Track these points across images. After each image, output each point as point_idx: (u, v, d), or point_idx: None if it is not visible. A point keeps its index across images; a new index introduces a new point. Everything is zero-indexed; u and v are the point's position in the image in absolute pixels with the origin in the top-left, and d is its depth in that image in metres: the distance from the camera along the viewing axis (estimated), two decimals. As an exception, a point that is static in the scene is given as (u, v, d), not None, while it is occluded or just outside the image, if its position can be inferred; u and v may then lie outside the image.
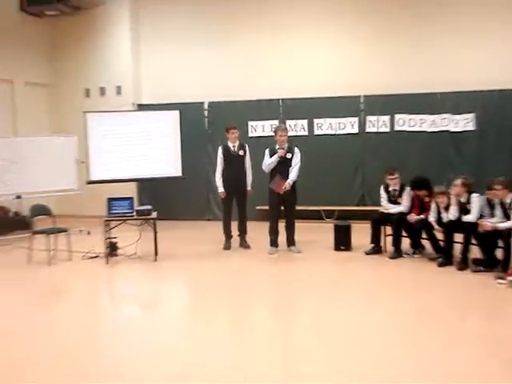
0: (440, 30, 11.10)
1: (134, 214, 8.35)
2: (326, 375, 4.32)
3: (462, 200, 7.57)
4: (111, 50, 12.55)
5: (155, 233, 8.26)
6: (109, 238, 8.39)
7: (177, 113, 11.11)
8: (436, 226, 7.82)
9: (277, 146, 8.60)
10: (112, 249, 8.46)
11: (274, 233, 8.76)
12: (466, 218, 7.44)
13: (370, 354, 4.70)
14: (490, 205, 7.41)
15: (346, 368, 4.42)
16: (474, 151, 10.73)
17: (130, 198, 8.49)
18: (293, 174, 8.50)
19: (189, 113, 11.47)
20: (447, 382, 4.08)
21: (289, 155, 8.53)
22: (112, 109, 11.61)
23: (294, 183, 8.55)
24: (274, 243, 8.74)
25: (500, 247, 7.06)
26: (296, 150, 8.63)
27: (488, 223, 7.09)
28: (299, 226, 8.82)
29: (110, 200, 8.35)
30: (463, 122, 10.80)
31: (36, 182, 10.27)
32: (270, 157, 8.55)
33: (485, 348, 4.83)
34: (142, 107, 12.25)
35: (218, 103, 11.85)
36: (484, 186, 7.49)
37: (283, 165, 8.51)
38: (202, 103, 12.02)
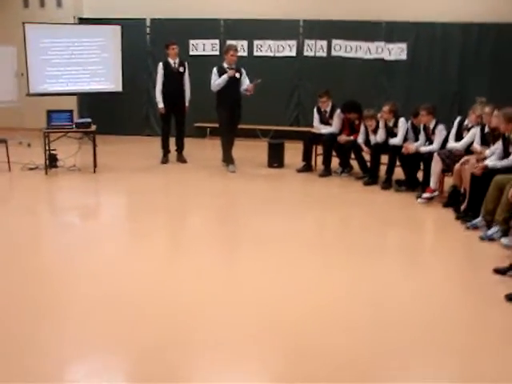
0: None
1: (74, 126, 8.48)
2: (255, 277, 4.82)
3: (390, 124, 7.99)
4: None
5: (94, 146, 8.39)
6: (48, 149, 8.47)
7: (118, 28, 11.03)
8: (364, 148, 8.24)
9: (225, 65, 8.67)
10: (51, 160, 8.56)
11: (230, 148, 8.88)
12: (392, 141, 7.88)
13: (295, 257, 5.20)
14: (415, 129, 7.87)
15: (269, 268, 4.93)
16: (405, 79, 11.17)
17: (70, 111, 8.60)
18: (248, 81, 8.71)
19: (130, 29, 11.38)
20: (371, 289, 4.51)
21: (237, 75, 8.66)
22: (52, 21, 11.42)
23: (240, 101, 8.78)
24: (232, 160, 8.85)
25: (421, 169, 7.56)
26: (242, 70, 8.77)
27: (412, 146, 7.54)
28: (236, 143, 9.07)
29: (50, 112, 8.42)
30: (396, 51, 11.19)
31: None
32: (219, 76, 8.63)
33: (402, 255, 5.46)
34: (83, 21, 12.06)
35: (160, 20, 11.80)
36: (411, 112, 7.94)
37: (232, 84, 8.59)
38: (144, 19, 11.93)
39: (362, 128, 8.34)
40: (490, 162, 6.17)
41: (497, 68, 10.71)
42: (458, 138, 7.24)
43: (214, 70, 8.70)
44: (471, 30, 10.86)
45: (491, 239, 5.57)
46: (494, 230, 5.63)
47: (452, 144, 7.23)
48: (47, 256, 5.28)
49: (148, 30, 12.06)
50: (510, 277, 4.64)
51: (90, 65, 11.01)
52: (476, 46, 10.89)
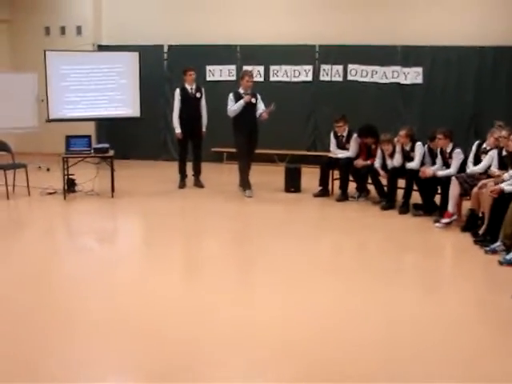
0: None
1: (92, 151, 8.58)
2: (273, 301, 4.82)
3: (407, 148, 7.97)
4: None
5: (112, 170, 8.45)
6: (67, 174, 8.56)
7: (136, 54, 11.24)
8: (381, 172, 8.20)
9: (241, 91, 8.74)
10: (70, 185, 8.66)
11: (247, 173, 8.85)
12: (409, 165, 7.84)
13: (311, 280, 5.19)
14: (432, 153, 7.84)
15: (284, 291, 4.92)
16: (421, 103, 11.19)
17: (88, 136, 8.70)
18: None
19: (148, 55, 11.60)
20: (385, 311, 4.50)
21: (253, 100, 8.73)
22: (72, 49, 11.61)
23: (256, 125, 8.84)
24: (249, 185, 8.84)
25: (439, 193, 7.51)
26: (258, 95, 8.84)
27: (429, 170, 7.52)
28: (252, 168, 9.07)
29: (69, 138, 8.52)
30: (412, 75, 11.23)
31: (-5, 119, 10.33)
32: (235, 101, 8.70)
33: (419, 279, 5.41)
34: (102, 48, 12.28)
35: (178, 46, 11.98)
36: (427, 136, 7.92)
37: (248, 109, 8.66)
38: (161, 46, 12.13)
39: (379, 152, 8.32)
40: (507, 187, 6.13)
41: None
42: (476, 161, 7.22)
43: (231, 95, 8.77)
44: (486, 53, 10.89)
45: (510, 264, 5.51)
46: (513, 254, 5.57)
47: (471, 168, 7.21)
48: (64, 279, 5.29)
49: (165, 55, 12.24)
50: (530, 302, 4.58)
51: (108, 91, 11.19)
52: (492, 69, 10.91)
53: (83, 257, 5.98)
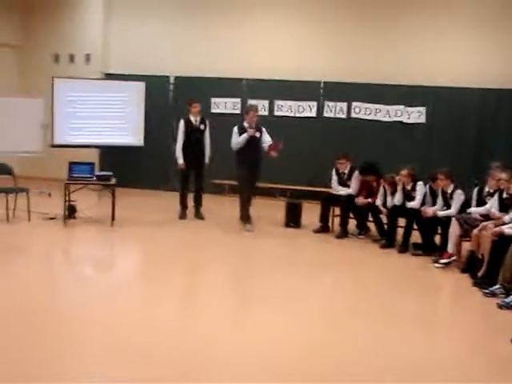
0: (404, 24, 11.52)
1: (94, 178, 8.60)
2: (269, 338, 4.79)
3: (408, 187, 8.01)
4: (83, 17, 12.59)
5: (113, 199, 8.45)
6: (68, 200, 8.56)
7: (143, 84, 11.34)
8: (383, 210, 8.22)
9: (245, 124, 8.80)
10: (70, 211, 8.66)
11: (248, 207, 8.87)
12: (410, 205, 7.87)
13: (307, 317, 5.17)
14: (433, 193, 7.88)
15: (280, 326, 4.90)
16: (423, 142, 11.27)
17: (92, 164, 8.74)
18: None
19: (154, 85, 11.73)
20: (382, 355, 4.44)
21: (257, 134, 8.78)
22: (80, 76, 11.73)
23: (260, 159, 8.86)
24: (249, 219, 8.86)
25: (439, 233, 7.53)
26: (263, 128, 8.90)
27: (429, 210, 7.55)
28: (253, 202, 9.07)
29: (72, 164, 8.56)
30: (415, 115, 11.33)
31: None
32: (240, 135, 8.76)
33: (416, 320, 5.37)
34: (109, 76, 12.41)
35: (184, 78, 12.11)
36: (429, 176, 7.98)
37: (252, 143, 8.71)
38: (168, 77, 12.27)
39: (381, 190, 8.36)
40: (507, 229, 6.13)
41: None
42: (480, 205, 7.24)
43: (235, 129, 8.82)
44: (489, 95, 11.00)
45: (510, 307, 5.48)
46: (512, 298, 5.55)
47: (474, 209, 7.23)
48: (61, 305, 5.27)
49: (171, 86, 12.36)
50: (528, 347, 4.54)
51: (113, 119, 11.26)
52: (494, 111, 11.02)
53: (81, 285, 5.94)
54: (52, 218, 8.71)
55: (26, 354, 4.07)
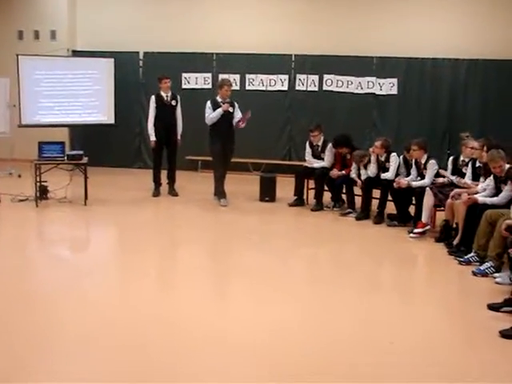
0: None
1: (65, 158, 8.47)
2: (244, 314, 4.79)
3: (381, 159, 8.03)
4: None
5: (85, 178, 8.35)
6: (39, 181, 8.44)
7: (111, 61, 11.16)
8: (358, 181, 8.20)
9: (219, 99, 8.71)
10: (42, 192, 8.53)
11: (222, 182, 8.80)
12: (384, 176, 7.90)
13: (285, 291, 5.15)
14: (407, 164, 7.91)
15: (259, 302, 4.90)
16: (396, 114, 11.30)
17: (62, 143, 8.58)
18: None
19: (124, 62, 11.54)
20: (357, 319, 4.53)
21: (231, 109, 8.70)
22: (46, 53, 11.48)
23: (233, 134, 8.81)
24: (224, 194, 8.79)
25: (413, 204, 7.56)
26: (235, 103, 8.83)
27: (403, 181, 7.56)
28: (227, 177, 9.01)
29: (41, 144, 8.40)
30: (387, 86, 11.33)
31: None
32: (213, 110, 8.65)
33: (392, 289, 5.43)
34: (76, 54, 12.15)
35: (153, 54, 11.94)
36: (403, 147, 7.99)
37: (225, 118, 8.63)
38: (137, 53, 12.06)
39: (354, 163, 8.36)
40: (481, 198, 6.20)
41: (486, 103, 10.90)
42: (456, 174, 7.32)
43: (208, 103, 8.73)
44: (460, 65, 11.05)
45: (484, 275, 5.55)
46: (486, 265, 5.60)
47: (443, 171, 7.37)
48: (36, 289, 5.18)
49: (141, 63, 12.16)
50: (504, 313, 4.60)
51: (82, 97, 11.08)
52: (465, 81, 11.09)
53: (55, 266, 5.87)
54: (23, 200, 8.57)
55: (2, 337, 4.02)
